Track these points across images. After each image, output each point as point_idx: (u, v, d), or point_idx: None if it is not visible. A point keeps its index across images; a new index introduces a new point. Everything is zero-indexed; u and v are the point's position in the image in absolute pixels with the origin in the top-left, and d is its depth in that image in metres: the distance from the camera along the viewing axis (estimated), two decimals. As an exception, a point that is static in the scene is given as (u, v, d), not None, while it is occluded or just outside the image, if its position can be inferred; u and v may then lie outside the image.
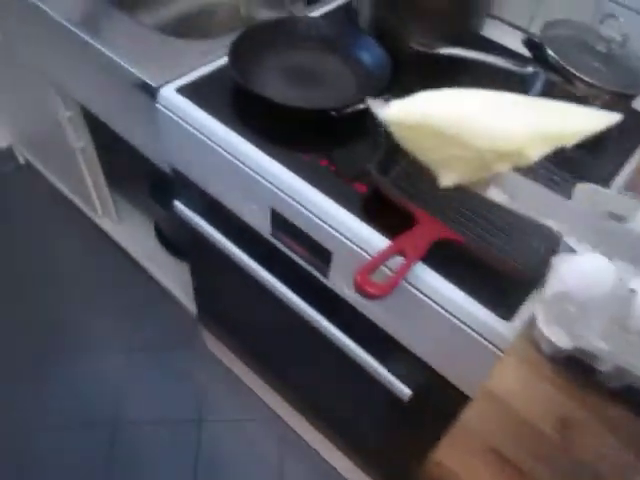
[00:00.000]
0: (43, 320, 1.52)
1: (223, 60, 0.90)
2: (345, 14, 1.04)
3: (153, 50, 0.92)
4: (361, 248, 0.69)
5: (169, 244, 1.60)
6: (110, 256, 1.63)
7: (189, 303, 1.45)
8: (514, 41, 0.98)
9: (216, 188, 0.89)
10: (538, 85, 0.85)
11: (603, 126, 0.36)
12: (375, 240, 0.68)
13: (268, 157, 0.77)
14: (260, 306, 1.03)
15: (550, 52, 0.81)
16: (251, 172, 0.79)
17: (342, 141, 0.81)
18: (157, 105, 0.86)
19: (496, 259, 0.63)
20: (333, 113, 0.77)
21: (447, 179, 0.35)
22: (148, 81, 0.85)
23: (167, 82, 0.85)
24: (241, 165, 0.79)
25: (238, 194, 0.85)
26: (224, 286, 1.15)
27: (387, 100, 0.47)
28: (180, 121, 0.84)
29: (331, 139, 0.81)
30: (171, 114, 0.85)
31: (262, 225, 0.85)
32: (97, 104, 1.15)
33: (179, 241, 1.52)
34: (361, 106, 0.75)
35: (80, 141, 1.38)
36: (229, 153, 0.80)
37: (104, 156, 1.43)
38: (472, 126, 0.33)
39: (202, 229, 0.94)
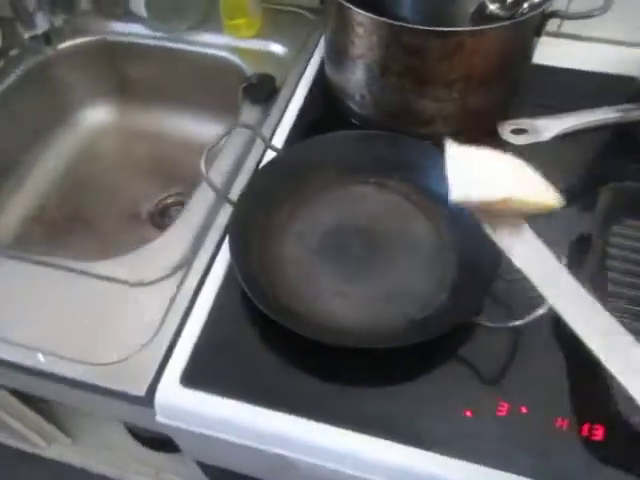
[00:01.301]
0: None
1: (217, 276, 0.52)
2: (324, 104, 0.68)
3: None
4: None
5: (153, 441, 1.18)
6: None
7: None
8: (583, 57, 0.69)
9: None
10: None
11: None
12: None
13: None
14: None
15: None
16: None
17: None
18: (158, 418, 0.47)
19: None
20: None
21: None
22: (127, 391, 0.46)
23: (160, 369, 0.47)
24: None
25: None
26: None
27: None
28: (206, 431, 0.46)
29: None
30: (186, 426, 0.46)
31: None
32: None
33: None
34: (520, 322, 0.42)
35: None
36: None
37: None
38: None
39: None
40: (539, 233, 0.53)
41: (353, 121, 0.65)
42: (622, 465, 0.41)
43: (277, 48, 0.77)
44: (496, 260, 0.47)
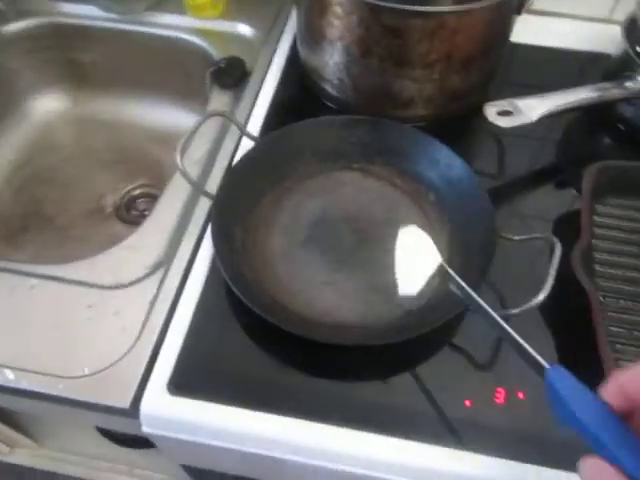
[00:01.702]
0: None
1: (199, 274, 0.49)
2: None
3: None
4: None
5: (125, 439, 1.14)
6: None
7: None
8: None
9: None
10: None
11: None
12: None
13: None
14: None
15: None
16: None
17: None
18: (144, 429, 0.44)
19: None
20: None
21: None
22: (110, 403, 0.42)
23: (144, 377, 0.44)
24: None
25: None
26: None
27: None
28: (197, 438, 0.44)
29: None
30: (175, 435, 0.44)
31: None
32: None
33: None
34: (516, 310, 0.41)
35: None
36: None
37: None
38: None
39: None
40: (527, 214, 0.54)
41: (329, 104, 0.63)
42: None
43: (244, 29, 0.73)
44: (489, 243, 0.46)
